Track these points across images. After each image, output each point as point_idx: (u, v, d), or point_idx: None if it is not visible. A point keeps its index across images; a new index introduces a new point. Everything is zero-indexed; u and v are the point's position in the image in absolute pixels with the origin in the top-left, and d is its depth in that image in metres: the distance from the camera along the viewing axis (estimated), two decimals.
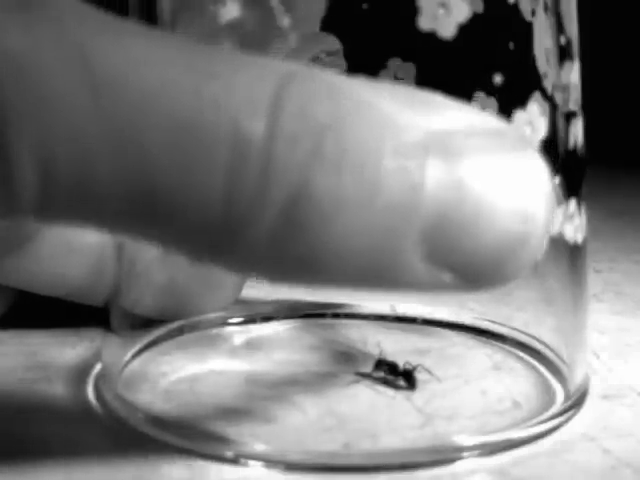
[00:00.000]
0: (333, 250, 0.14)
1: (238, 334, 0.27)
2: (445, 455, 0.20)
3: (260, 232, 0.14)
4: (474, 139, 0.14)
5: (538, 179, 0.14)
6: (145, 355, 0.25)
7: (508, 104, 0.21)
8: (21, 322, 0.28)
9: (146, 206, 0.13)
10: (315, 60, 0.22)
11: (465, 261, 0.14)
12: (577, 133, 0.23)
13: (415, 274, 0.14)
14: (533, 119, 0.21)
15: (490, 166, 0.14)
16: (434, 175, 0.14)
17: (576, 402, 0.22)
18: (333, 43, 0.22)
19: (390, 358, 0.24)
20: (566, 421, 0.22)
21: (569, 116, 0.22)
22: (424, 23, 0.19)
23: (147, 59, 0.13)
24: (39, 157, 0.13)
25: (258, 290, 0.28)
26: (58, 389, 0.23)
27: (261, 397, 0.22)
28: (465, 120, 0.15)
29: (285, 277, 0.15)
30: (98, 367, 0.24)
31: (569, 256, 0.23)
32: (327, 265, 0.14)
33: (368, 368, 0.24)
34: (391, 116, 0.14)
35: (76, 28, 0.13)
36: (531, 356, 0.25)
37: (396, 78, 0.22)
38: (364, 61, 0.22)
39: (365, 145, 0.14)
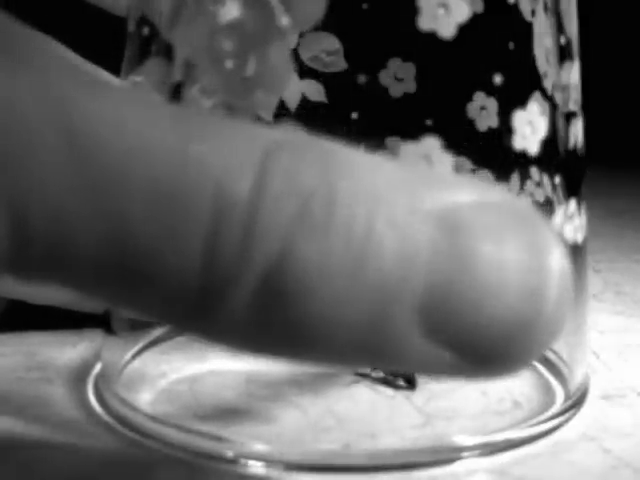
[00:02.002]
0: (319, 322, 0.13)
1: None
2: (445, 455, 0.20)
3: (240, 299, 0.13)
4: (481, 213, 0.13)
5: (549, 256, 0.13)
6: (145, 355, 0.25)
7: (508, 104, 0.21)
8: (21, 322, 0.28)
9: (123, 270, 0.13)
10: (315, 60, 0.22)
11: (468, 340, 0.13)
12: (577, 133, 0.23)
13: (413, 351, 0.13)
14: (533, 119, 0.21)
15: (497, 241, 0.13)
16: (431, 247, 0.13)
17: (576, 402, 0.22)
18: (333, 43, 0.22)
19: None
20: (566, 421, 0.22)
21: (569, 116, 0.22)
22: (424, 23, 0.19)
23: (130, 118, 0.13)
24: (12, 213, 0.12)
25: None
26: (58, 389, 0.23)
27: (261, 397, 0.22)
28: (473, 194, 0.14)
29: (269, 349, 0.14)
30: (98, 367, 0.24)
31: (569, 256, 0.23)
32: (313, 338, 0.13)
33: (369, 368, 0.24)
34: (387, 186, 0.13)
35: (59, 82, 0.13)
36: None
37: (396, 78, 0.22)
38: (364, 61, 0.22)
39: (355, 212, 0.13)
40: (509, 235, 0.13)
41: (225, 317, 0.13)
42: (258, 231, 0.13)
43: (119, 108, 0.13)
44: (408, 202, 0.13)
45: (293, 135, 0.14)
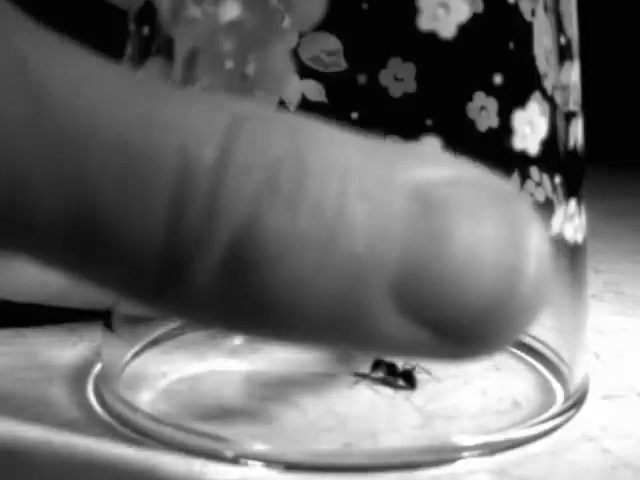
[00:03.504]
0: (287, 295, 0.12)
1: None
2: (445, 455, 0.20)
3: (205, 270, 0.12)
4: (456, 189, 0.13)
5: (527, 233, 0.13)
6: (145, 355, 0.25)
7: (508, 104, 0.21)
8: (21, 322, 0.28)
9: (88, 237, 0.13)
10: (315, 60, 0.22)
11: (444, 318, 0.13)
12: (577, 133, 0.23)
13: (389, 330, 0.13)
14: (533, 119, 0.21)
15: (474, 217, 0.13)
16: (405, 223, 0.12)
17: (576, 402, 0.22)
18: (333, 43, 0.22)
19: (390, 358, 0.24)
20: (566, 421, 0.22)
21: (569, 116, 0.22)
22: (424, 23, 0.19)
23: (94, 79, 0.13)
24: None
25: None
26: (58, 389, 0.23)
27: (261, 397, 0.22)
28: (449, 170, 0.13)
29: (235, 324, 0.13)
30: (98, 367, 0.24)
31: (569, 256, 0.23)
32: (281, 312, 0.13)
33: (368, 368, 0.24)
34: (359, 159, 0.13)
35: (21, 42, 0.13)
36: (531, 356, 0.25)
37: (396, 78, 0.22)
38: (364, 61, 0.22)
39: (325, 184, 0.12)
40: (486, 212, 0.13)
41: (190, 289, 0.13)
42: (224, 199, 0.12)
43: (82, 69, 0.13)
44: (381, 175, 0.13)
45: (261, 108, 0.13)
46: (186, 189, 0.12)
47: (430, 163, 0.13)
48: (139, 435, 0.20)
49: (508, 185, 0.14)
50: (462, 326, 0.13)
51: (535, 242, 0.13)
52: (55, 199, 0.12)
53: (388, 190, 0.13)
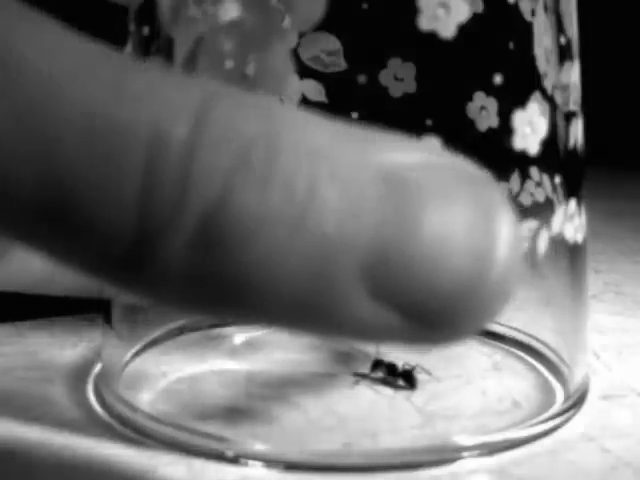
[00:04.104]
0: (256, 274, 0.12)
1: (238, 334, 0.27)
2: (445, 455, 0.20)
3: (176, 247, 0.12)
4: (427, 173, 0.13)
5: (497, 219, 0.13)
6: (145, 355, 0.25)
7: (508, 104, 0.21)
8: (21, 321, 0.28)
9: (58, 213, 0.12)
10: (315, 60, 0.22)
11: (414, 302, 0.13)
12: (577, 133, 0.23)
13: (360, 313, 0.13)
14: (533, 119, 0.21)
15: (444, 202, 0.13)
16: (377, 205, 0.13)
17: (576, 402, 0.22)
18: (333, 43, 0.22)
19: (389, 358, 0.24)
20: (566, 421, 0.22)
21: (569, 116, 0.22)
22: (424, 23, 0.19)
23: (66, 49, 0.13)
24: None
25: None
26: (58, 389, 0.23)
27: (261, 397, 0.22)
28: (421, 155, 0.13)
29: (204, 305, 0.13)
30: (98, 367, 0.24)
31: (569, 256, 0.23)
32: (251, 292, 0.13)
33: (368, 368, 0.24)
34: (330, 141, 0.13)
35: None
36: (531, 356, 0.25)
37: (396, 78, 0.22)
38: (364, 61, 0.22)
39: (296, 164, 0.12)
40: (456, 197, 0.13)
41: (161, 266, 0.13)
42: (196, 174, 0.12)
43: (54, 40, 0.13)
44: (353, 158, 0.13)
45: (232, 88, 0.13)
46: (157, 162, 0.12)
47: (401, 147, 0.13)
48: (139, 435, 0.20)
49: (479, 170, 0.13)
50: (432, 310, 0.13)
51: (505, 228, 0.13)
52: (24, 171, 0.12)
53: (359, 173, 0.13)
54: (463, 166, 0.13)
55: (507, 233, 0.13)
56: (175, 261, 0.13)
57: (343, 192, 0.13)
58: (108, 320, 0.24)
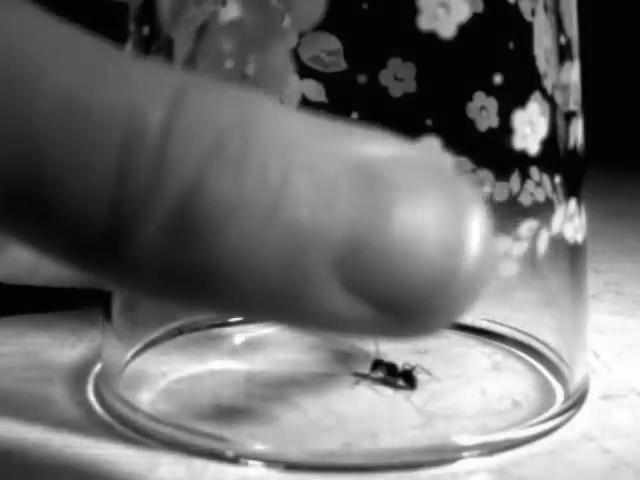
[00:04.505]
0: (229, 263, 0.13)
1: (238, 334, 0.27)
2: (445, 455, 0.20)
3: (149, 234, 0.12)
4: (400, 167, 0.13)
5: (468, 213, 0.13)
6: (145, 355, 0.25)
7: (508, 104, 0.21)
8: (21, 322, 0.28)
9: (32, 196, 0.12)
10: (315, 60, 0.22)
11: (386, 294, 0.13)
12: (577, 133, 0.23)
13: (332, 305, 0.13)
14: (533, 119, 0.21)
15: (416, 195, 0.13)
16: (350, 197, 0.13)
17: (576, 402, 0.22)
18: (333, 43, 0.22)
19: (390, 358, 0.24)
20: (566, 421, 0.22)
21: (569, 116, 0.22)
22: (424, 23, 0.19)
23: (43, 30, 0.13)
24: None
25: None
26: (58, 389, 0.23)
27: (261, 397, 0.22)
28: (393, 149, 0.13)
29: (176, 294, 0.13)
30: (98, 367, 0.24)
31: (569, 256, 0.23)
32: (222, 280, 0.13)
33: (368, 368, 0.24)
34: (304, 132, 0.13)
35: None
36: (531, 356, 0.25)
37: (396, 78, 0.22)
38: (364, 61, 0.22)
39: (270, 154, 0.13)
40: (428, 191, 0.13)
41: (134, 253, 0.13)
42: (169, 160, 0.12)
43: (34, 23, 0.13)
44: (327, 150, 0.13)
45: (208, 78, 0.14)
46: (132, 146, 0.12)
47: (375, 141, 0.13)
48: (139, 435, 0.20)
49: (450, 165, 0.14)
50: (404, 304, 0.13)
51: (477, 224, 0.13)
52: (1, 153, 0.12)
53: (333, 165, 0.13)
54: (436, 162, 0.14)
55: (478, 228, 0.13)
56: (149, 247, 0.13)
57: (317, 183, 0.13)
58: (108, 319, 0.24)
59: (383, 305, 0.13)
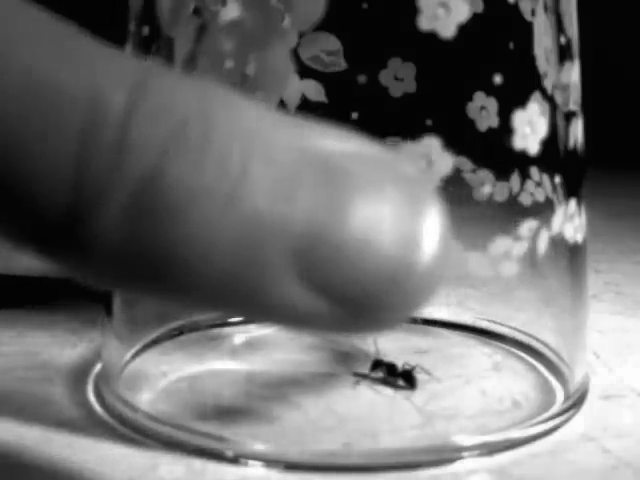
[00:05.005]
0: (187, 249, 0.13)
1: (238, 334, 0.27)
2: (445, 455, 0.20)
3: (110, 214, 0.13)
4: (359, 163, 0.13)
5: (424, 211, 0.13)
6: (145, 355, 0.25)
7: (508, 104, 0.21)
8: (21, 321, 0.28)
9: None
10: (315, 60, 0.22)
11: (342, 289, 0.13)
12: (577, 133, 0.23)
13: (288, 296, 0.13)
14: (533, 119, 0.21)
15: (374, 191, 0.13)
16: (308, 191, 0.13)
17: (576, 402, 0.22)
18: (333, 43, 0.22)
19: (390, 358, 0.24)
20: (566, 421, 0.22)
21: (569, 116, 0.22)
22: (424, 23, 0.19)
23: (7, 12, 0.13)
24: None
25: None
26: (58, 389, 0.23)
27: (261, 397, 0.22)
28: (351, 146, 0.14)
29: (135, 279, 0.13)
30: (98, 367, 0.24)
31: (569, 256, 0.23)
32: (180, 266, 0.13)
33: (368, 368, 0.24)
34: (265, 125, 0.13)
35: None
36: (531, 356, 0.25)
37: (396, 78, 0.22)
38: (364, 61, 0.22)
39: (231, 143, 0.13)
40: (386, 187, 0.13)
41: (94, 237, 0.13)
42: (131, 143, 0.13)
43: (2, 4, 0.13)
44: (288, 143, 0.13)
45: (172, 69, 0.14)
46: (94, 127, 0.12)
47: (335, 137, 0.14)
48: (139, 435, 0.20)
49: (407, 162, 0.14)
50: (360, 298, 0.13)
51: (433, 222, 0.13)
52: None
53: (293, 157, 0.13)
54: (393, 159, 0.14)
55: (434, 226, 0.13)
56: (109, 229, 0.13)
57: (276, 174, 0.13)
58: (108, 319, 0.24)
59: (339, 299, 0.13)
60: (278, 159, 0.13)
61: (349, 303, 0.13)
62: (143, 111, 0.13)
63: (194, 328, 0.27)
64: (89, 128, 0.12)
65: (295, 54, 0.21)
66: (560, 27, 0.22)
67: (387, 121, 0.22)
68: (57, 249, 0.13)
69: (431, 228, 0.13)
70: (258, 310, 0.13)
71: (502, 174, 0.22)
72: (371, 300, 0.13)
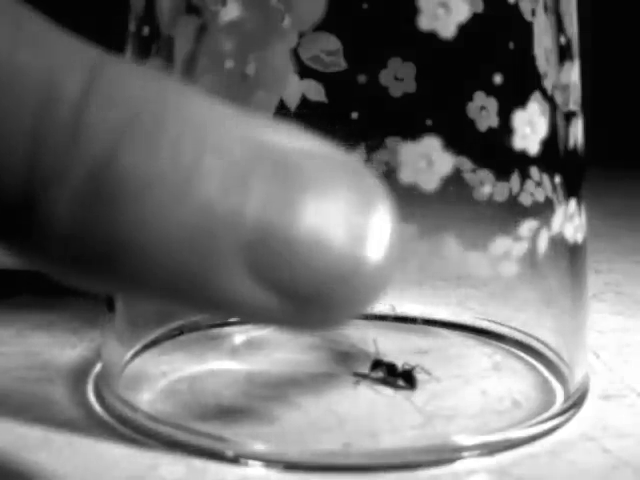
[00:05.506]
0: (138, 236, 0.13)
1: (238, 334, 0.27)
2: (445, 455, 0.20)
3: (63, 197, 0.13)
4: (311, 160, 0.13)
5: (374, 210, 0.13)
6: (145, 355, 0.25)
7: (508, 104, 0.21)
8: (22, 321, 0.28)
9: None
10: (315, 60, 0.22)
11: (293, 284, 0.13)
12: (577, 133, 0.23)
13: (237, 289, 0.13)
14: (533, 119, 0.21)
15: (324, 189, 0.13)
16: (261, 185, 0.13)
17: (576, 402, 0.22)
18: (333, 43, 0.22)
19: (390, 358, 0.24)
20: (566, 421, 0.22)
21: (569, 116, 0.22)
22: (424, 23, 0.19)
23: None
24: None
25: None
26: (58, 389, 0.23)
27: (261, 397, 0.22)
28: (303, 143, 0.14)
29: (85, 266, 0.13)
30: (98, 367, 0.24)
31: (569, 256, 0.23)
32: (131, 257, 0.13)
33: (368, 368, 0.24)
34: (218, 118, 0.13)
35: None
36: (531, 356, 0.25)
37: (396, 78, 0.22)
38: (364, 61, 0.22)
39: (184, 133, 0.13)
40: (337, 184, 0.13)
41: (46, 222, 0.13)
42: (85, 127, 0.13)
43: None
44: (241, 136, 0.13)
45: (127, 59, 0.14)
46: (49, 109, 0.13)
47: (289, 133, 0.14)
48: (139, 435, 0.20)
49: (359, 162, 0.14)
50: (309, 294, 0.13)
51: (382, 219, 0.13)
52: None
53: (246, 150, 0.13)
54: (345, 158, 0.14)
55: (383, 224, 0.13)
56: (62, 213, 0.13)
57: (229, 167, 0.13)
58: (108, 320, 0.24)
59: (288, 294, 0.13)
60: (231, 153, 0.13)
61: (298, 298, 0.13)
62: (98, 94, 0.13)
63: (194, 328, 0.27)
64: (44, 108, 0.13)
65: (295, 54, 0.21)
66: (560, 27, 0.22)
67: (387, 121, 0.22)
68: (10, 233, 0.13)
69: (380, 227, 0.13)
70: (209, 303, 0.13)
71: (502, 174, 0.22)
72: (320, 296, 0.13)
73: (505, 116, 0.21)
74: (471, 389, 0.23)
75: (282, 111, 0.22)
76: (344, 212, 0.13)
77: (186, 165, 0.13)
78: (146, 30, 0.21)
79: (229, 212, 0.13)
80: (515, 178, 0.22)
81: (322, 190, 0.13)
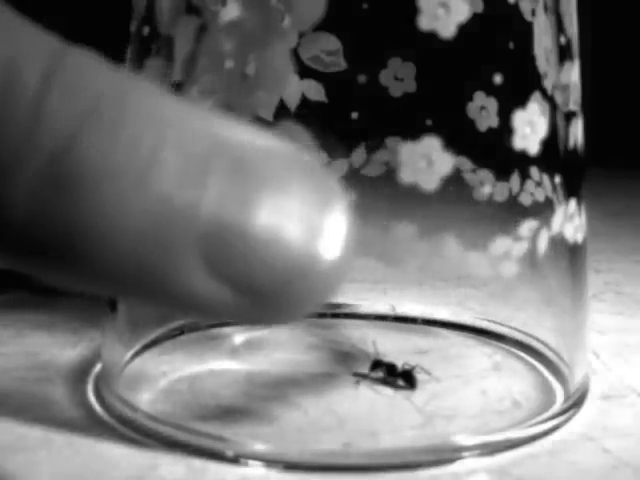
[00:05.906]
0: (96, 224, 0.13)
1: (238, 334, 0.27)
2: (445, 455, 0.20)
3: (22, 182, 0.13)
4: (268, 157, 0.14)
5: (329, 209, 0.14)
6: (145, 355, 0.25)
7: (508, 104, 0.21)
8: (21, 322, 0.28)
9: None
10: (315, 60, 0.22)
11: (247, 279, 0.13)
12: (577, 133, 0.23)
13: (192, 283, 0.13)
14: (533, 119, 0.21)
15: (281, 187, 0.14)
16: (218, 181, 0.13)
17: (576, 402, 0.22)
18: (333, 43, 0.22)
19: (390, 358, 0.24)
20: (566, 421, 0.22)
21: (569, 116, 0.22)
22: (424, 23, 0.19)
23: None
24: None
25: None
26: (58, 389, 0.23)
27: (261, 397, 0.22)
28: (261, 140, 0.14)
29: (41, 256, 0.13)
30: (98, 367, 0.24)
31: (569, 256, 0.23)
32: (90, 246, 0.13)
33: (368, 368, 0.24)
34: (177, 112, 0.14)
35: None
36: (531, 356, 0.25)
37: (396, 78, 0.22)
38: (364, 61, 0.22)
39: (143, 124, 0.13)
40: (293, 181, 0.14)
41: (3, 208, 0.13)
42: (45, 114, 0.13)
43: None
44: (200, 132, 0.13)
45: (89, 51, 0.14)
46: (8, 96, 0.13)
47: (248, 131, 0.14)
48: (139, 435, 0.20)
49: (316, 161, 0.14)
50: (263, 290, 0.13)
51: (337, 220, 0.14)
52: None
53: (204, 144, 0.13)
54: (302, 155, 0.14)
55: (338, 222, 0.14)
56: (20, 201, 0.13)
57: (187, 162, 0.13)
58: (108, 320, 0.24)
59: (242, 289, 0.13)
60: (189, 147, 0.13)
61: (252, 293, 0.13)
62: (59, 82, 0.13)
63: (194, 328, 0.27)
64: (5, 93, 0.13)
65: (295, 54, 0.21)
66: (560, 27, 0.22)
67: (387, 121, 0.22)
68: None
69: (335, 224, 0.14)
70: (167, 296, 0.14)
71: (502, 174, 0.22)
72: (275, 292, 0.14)
73: (505, 116, 0.21)
74: (471, 389, 0.23)
75: (282, 111, 0.22)
76: (300, 210, 0.13)
77: (144, 156, 0.13)
78: (146, 30, 0.21)
79: (186, 205, 0.13)
80: (515, 178, 0.22)
81: (279, 188, 0.13)
